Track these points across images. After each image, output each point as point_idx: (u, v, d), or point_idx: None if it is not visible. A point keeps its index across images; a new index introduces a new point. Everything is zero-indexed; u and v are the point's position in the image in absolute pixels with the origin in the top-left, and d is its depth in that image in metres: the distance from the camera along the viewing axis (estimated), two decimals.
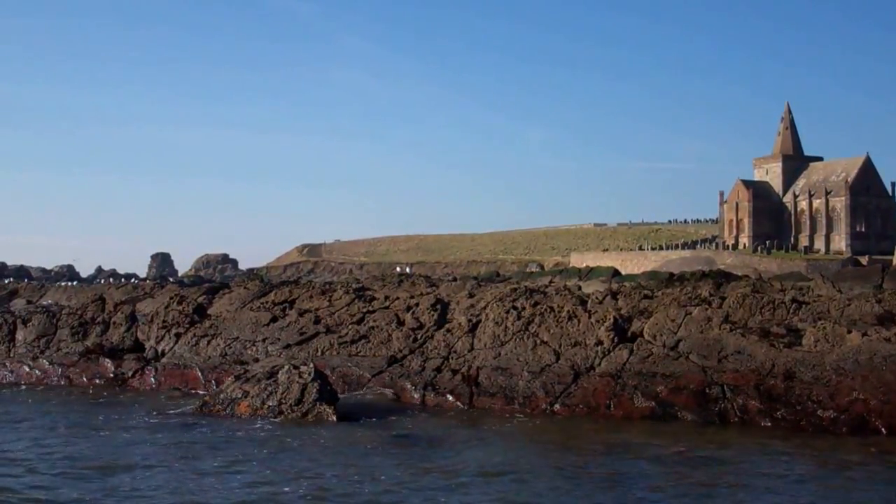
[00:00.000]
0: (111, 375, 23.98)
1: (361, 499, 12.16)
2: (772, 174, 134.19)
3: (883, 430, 16.32)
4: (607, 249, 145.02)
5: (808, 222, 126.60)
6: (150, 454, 14.99)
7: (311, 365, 19.21)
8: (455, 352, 21.39)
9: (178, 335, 24.99)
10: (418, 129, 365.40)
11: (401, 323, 23.11)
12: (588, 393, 18.83)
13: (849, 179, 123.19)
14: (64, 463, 14.37)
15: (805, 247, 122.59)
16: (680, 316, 20.62)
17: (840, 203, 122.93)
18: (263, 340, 23.97)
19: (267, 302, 26.77)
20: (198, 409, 18.89)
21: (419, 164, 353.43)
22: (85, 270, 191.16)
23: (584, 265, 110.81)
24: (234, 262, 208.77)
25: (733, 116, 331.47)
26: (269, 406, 18.28)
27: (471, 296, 26.25)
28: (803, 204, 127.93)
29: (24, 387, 23.92)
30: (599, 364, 19.62)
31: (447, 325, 22.61)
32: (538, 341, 20.65)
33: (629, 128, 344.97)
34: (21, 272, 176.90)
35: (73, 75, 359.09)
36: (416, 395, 20.14)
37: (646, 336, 20.33)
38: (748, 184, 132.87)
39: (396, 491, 12.56)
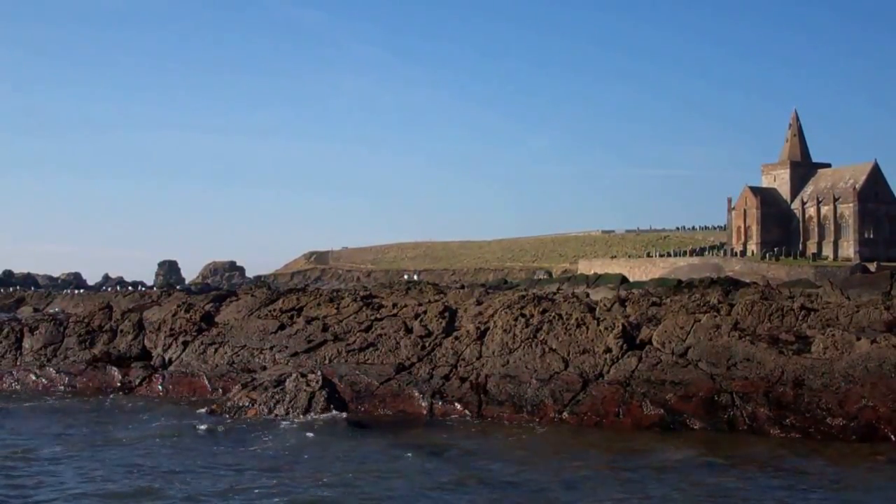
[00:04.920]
0: (118, 384, 23.96)
1: None
2: (780, 181, 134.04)
3: (892, 437, 16.23)
4: (615, 256, 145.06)
5: (816, 229, 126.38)
6: (158, 463, 14.98)
7: (319, 373, 19.19)
8: (463, 359, 21.33)
9: (185, 343, 24.97)
10: (426, 135, 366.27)
11: (409, 330, 23.06)
12: (597, 401, 18.76)
13: (857, 186, 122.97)
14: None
15: (813, 253, 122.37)
16: (689, 323, 20.54)
17: (848, 210, 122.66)
18: (271, 348, 23.93)
19: (274, 309, 26.74)
20: (204, 417, 18.83)
21: (427, 171, 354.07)
22: (92, 278, 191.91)
23: (592, 272, 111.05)
24: (242, 270, 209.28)
25: (741, 123, 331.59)
26: (277, 414, 18.24)
27: (479, 303, 26.21)
28: (811, 210, 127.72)
29: (27, 399, 23.84)
30: (608, 372, 19.55)
31: (455, 333, 22.55)
32: (547, 349, 20.58)
33: (637, 134, 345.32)
34: (28, 280, 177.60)
35: (81, 82, 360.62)
36: (425, 404, 20.07)
37: (654, 343, 20.25)
38: (756, 190, 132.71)
39: (403, 499, 12.53)
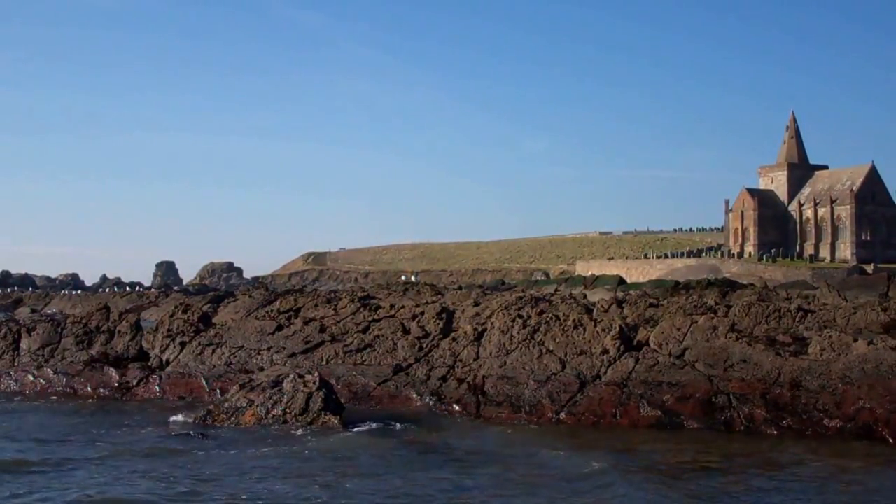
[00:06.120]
0: (116, 385, 23.94)
1: None
2: (777, 182, 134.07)
3: (889, 438, 16.26)
4: (613, 258, 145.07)
5: (813, 231, 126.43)
6: (154, 467, 14.99)
7: (317, 374, 19.18)
8: (461, 360, 21.34)
9: (182, 344, 24.96)
10: (424, 136, 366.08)
11: (406, 331, 23.07)
12: (594, 402, 18.78)
13: (854, 188, 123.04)
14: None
15: (810, 255, 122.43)
16: (686, 324, 20.56)
17: (845, 211, 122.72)
18: (268, 349, 23.93)
19: (272, 310, 26.75)
20: (202, 418, 18.81)
21: (424, 172, 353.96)
22: (90, 279, 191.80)
23: (590, 273, 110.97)
24: (239, 271, 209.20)
25: (739, 124, 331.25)
26: (274, 415, 18.24)
27: (476, 304, 26.26)
28: (809, 212, 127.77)
29: (25, 400, 23.82)
30: (605, 373, 19.57)
31: (453, 334, 22.56)
32: (544, 350, 20.60)
33: (635, 136, 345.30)
34: (26, 281, 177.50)
35: (80, 82, 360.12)
36: (422, 405, 20.09)
37: (651, 345, 20.27)
38: (753, 192, 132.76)
39: (402, 499, 12.54)
